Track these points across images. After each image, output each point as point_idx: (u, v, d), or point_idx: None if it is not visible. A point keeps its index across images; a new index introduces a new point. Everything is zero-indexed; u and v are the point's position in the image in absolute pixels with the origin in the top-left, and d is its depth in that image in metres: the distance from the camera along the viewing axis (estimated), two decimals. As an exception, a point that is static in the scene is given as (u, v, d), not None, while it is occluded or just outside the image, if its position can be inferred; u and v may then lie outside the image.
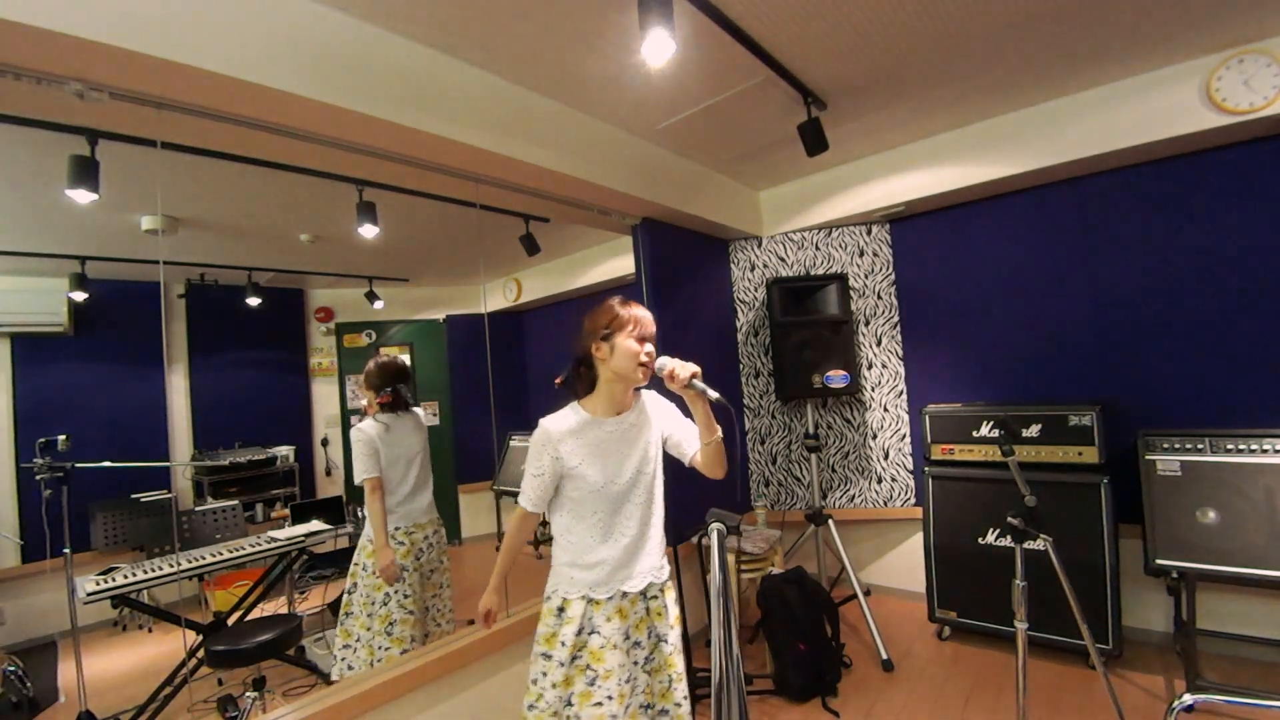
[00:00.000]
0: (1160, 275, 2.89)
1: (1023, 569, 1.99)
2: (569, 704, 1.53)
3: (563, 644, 1.55)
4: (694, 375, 1.51)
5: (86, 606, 2.45)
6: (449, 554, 2.81)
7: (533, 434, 1.60)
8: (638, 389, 1.69)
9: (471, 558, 4.83)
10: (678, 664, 1.65)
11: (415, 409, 2.77)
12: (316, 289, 5.04)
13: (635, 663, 1.60)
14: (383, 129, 1.98)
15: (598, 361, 1.60)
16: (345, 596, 2.57)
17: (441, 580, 2.73)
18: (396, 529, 2.57)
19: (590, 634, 1.56)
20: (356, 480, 2.55)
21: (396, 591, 2.50)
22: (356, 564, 2.56)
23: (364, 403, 2.73)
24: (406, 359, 2.81)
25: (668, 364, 1.54)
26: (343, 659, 2.50)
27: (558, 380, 1.69)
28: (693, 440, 1.68)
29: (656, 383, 1.61)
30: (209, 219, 3.28)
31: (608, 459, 1.59)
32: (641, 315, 1.58)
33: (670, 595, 1.70)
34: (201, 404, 4.24)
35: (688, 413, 1.67)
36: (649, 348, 1.57)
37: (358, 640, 2.50)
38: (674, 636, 1.66)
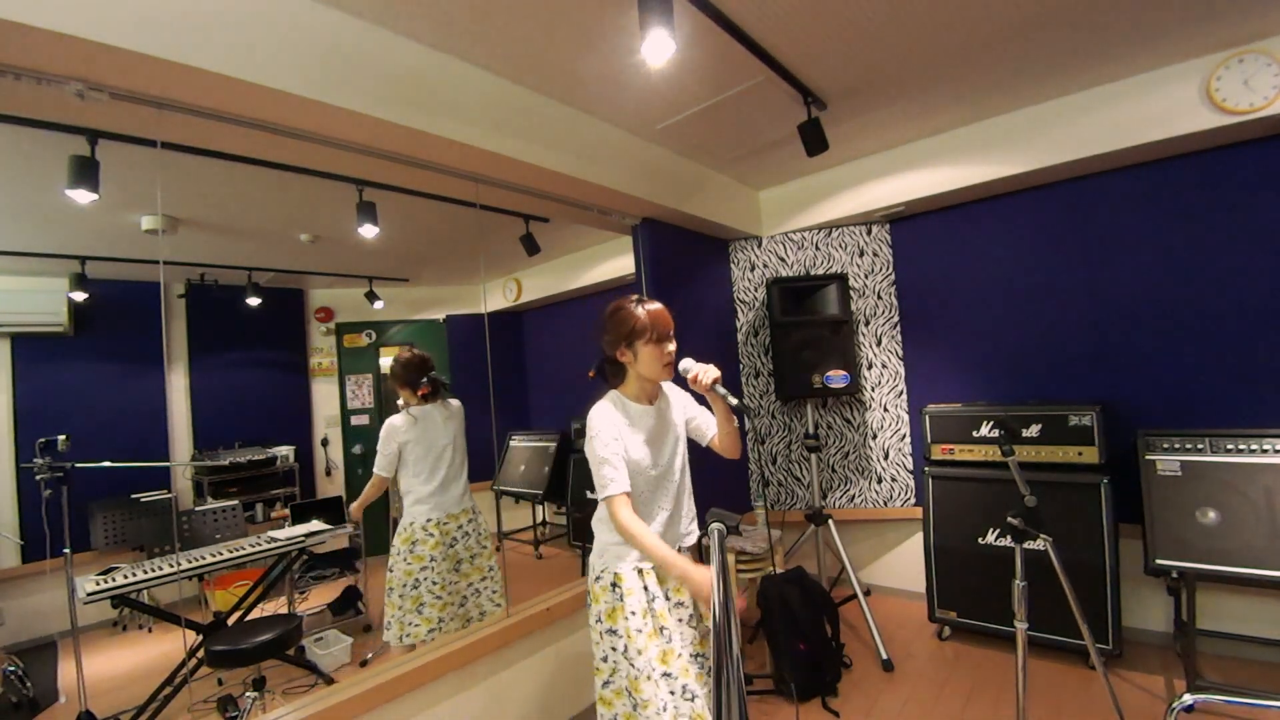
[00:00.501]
0: (1160, 275, 2.89)
1: (1023, 569, 1.99)
2: (654, 666, 1.62)
3: (633, 613, 1.65)
4: (715, 380, 1.65)
5: (86, 606, 2.45)
6: (489, 540, 2.90)
7: (592, 423, 1.69)
8: None
9: (471, 558, 4.84)
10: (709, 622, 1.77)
11: (453, 400, 2.87)
12: (316, 289, 5.04)
13: (680, 620, 1.74)
14: (383, 129, 1.98)
15: (625, 363, 1.75)
16: (388, 573, 2.70)
17: (488, 564, 2.82)
18: (429, 520, 2.68)
19: (651, 600, 1.69)
20: (374, 471, 2.72)
21: (426, 579, 2.62)
22: (394, 547, 2.71)
23: (398, 401, 2.83)
24: (426, 353, 2.87)
25: (691, 368, 1.68)
26: (386, 627, 2.66)
27: (591, 373, 1.84)
28: (710, 424, 1.86)
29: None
30: (209, 219, 3.28)
31: (650, 443, 1.73)
32: (658, 316, 1.69)
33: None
34: (201, 404, 4.24)
35: (699, 399, 1.84)
36: (670, 347, 1.70)
37: (393, 617, 2.64)
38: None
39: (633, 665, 1.62)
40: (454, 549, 2.72)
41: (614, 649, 1.66)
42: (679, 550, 1.76)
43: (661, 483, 1.76)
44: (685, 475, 1.84)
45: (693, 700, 1.61)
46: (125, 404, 3.86)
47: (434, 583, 2.64)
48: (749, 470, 3.86)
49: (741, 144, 3.14)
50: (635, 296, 1.74)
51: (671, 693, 1.61)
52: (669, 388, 1.87)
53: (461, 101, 2.17)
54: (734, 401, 1.65)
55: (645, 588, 1.69)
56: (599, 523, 1.78)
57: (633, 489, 1.69)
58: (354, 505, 2.90)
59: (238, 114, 1.80)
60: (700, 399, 1.81)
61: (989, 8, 2.11)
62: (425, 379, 2.75)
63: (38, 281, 3.62)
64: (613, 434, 1.67)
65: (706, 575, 1.54)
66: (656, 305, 1.71)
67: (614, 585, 1.69)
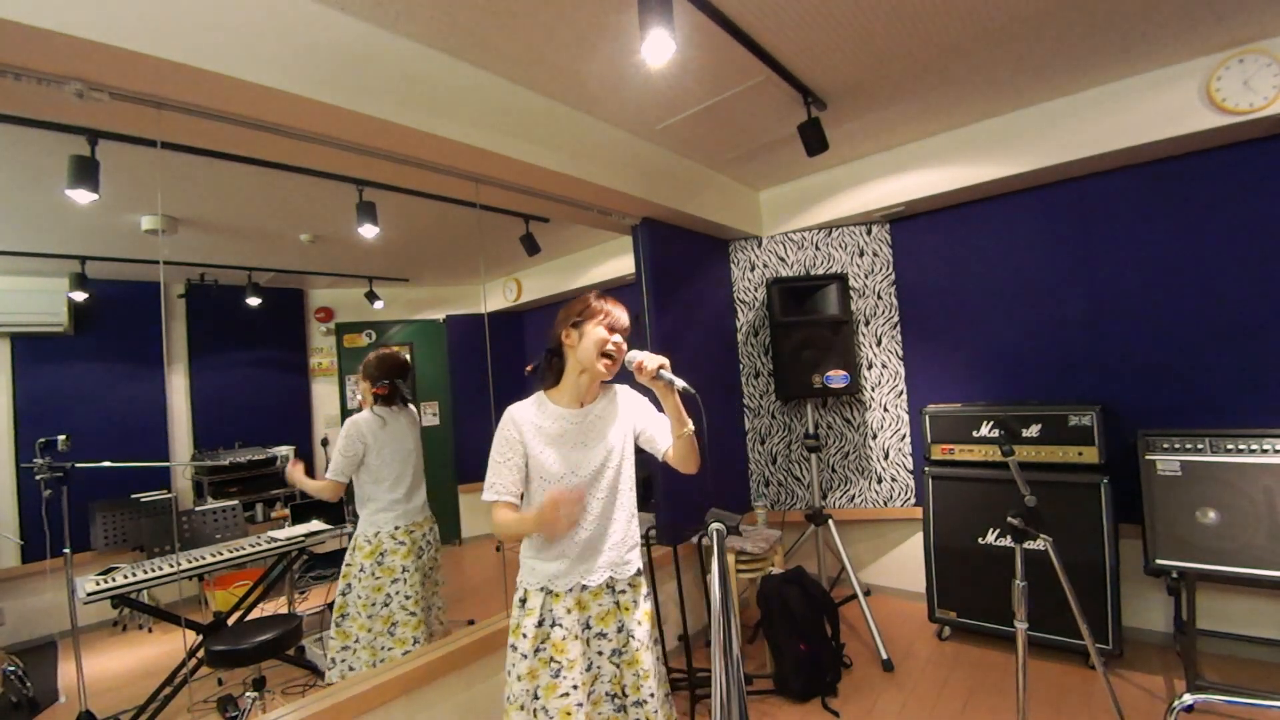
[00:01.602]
0: (1160, 275, 2.89)
1: (1023, 569, 1.99)
2: (535, 696, 1.52)
3: (524, 635, 1.55)
4: (661, 366, 1.53)
5: (86, 606, 2.45)
6: (440, 551, 2.79)
7: (500, 421, 1.60)
8: (606, 383, 1.68)
9: (472, 558, 4.83)
10: (645, 660, 1.61)
11: (411, 406, 2.72)
12: (316, 289, 5.03)
13: (600, 653, 1.61)
14: (383, 129, 1.98)
15: (566, 349, 1.62)
16: (339, 598, 2.51)
17: (438, 579, 2.73)
18: (396, 528, 2.53)
19: (552, 626, 1.56)
20: (327, 474, 2.49)
21: (398, 593, 2.47)
22: (349, 564, 2.51)
23: (359, 396, 2.69)
24: (406, 357, 2.77)
25: (636, 356, 1.55)
26: (342, 660, 2.46)
27: (528, 368, 1.71)
28: (665, 435, 1.65)
29: (629, 378, 1.62)
30: (209, 219, 3.28)
31: (569, 450, 1.59)
32: (615, 309, 1.61)
33: (641, 591, 1.68)
34: (201, 404, 4.23)
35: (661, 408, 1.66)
36: (618, 339, 1.58)
37: (357, 641, 2.46)
38: (641, 632, 1.63)
39: (510, 688, 1.54)
40: (422, 559, 2.58)
41: (512, 665, 1.56)
42: (610, 580, 1.61)
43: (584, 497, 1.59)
44: (621, 493, 1.65)
45: None
46: (125, 404, 3.85)
47: (406, 596, 2.45)
48: (749, 470, 3.86)
49: (741, 144, 3.14)
50: (597, 292, 1.66)
51: None
52: (623, 394, 1.71)
53: (462, 101, 2.17)
54: (680, 385, 1.52)
55: (551, 610, 1.56)
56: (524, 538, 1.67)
57: (535, 498, 1.58)
58: (297, 474, 2.53)
59: (238, 114, 1.79)
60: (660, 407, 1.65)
61: (989, 8, 2.11)
62: (386, 380, 2.57)
63: (38, 281, 3.61)
64: (510, 435, 1.56)
65: (543, 509, 1.43)
66: (619, 306, 1.63)
67: (522, 601, 1.60)
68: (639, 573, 1.69)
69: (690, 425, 1.60)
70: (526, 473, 1.59)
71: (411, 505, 2.61)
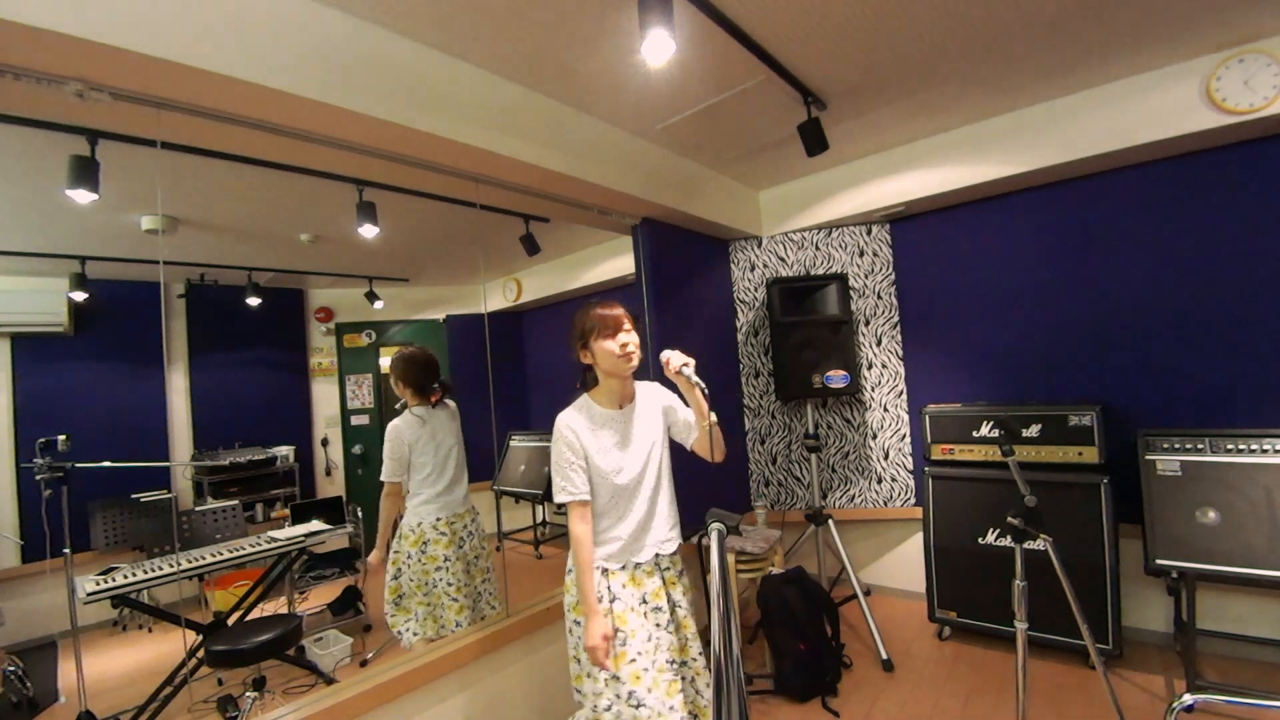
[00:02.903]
0: (1160, 275, 2.89)
1: (1023, 569, 1.99)
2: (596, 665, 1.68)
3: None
4: (685, 364, 1.70)
5: (86, 606, 2.45)
6: (488, 541, 2.86)
7: (555, 429, 1.74)
8: (637, 380, 1.86)
9: (472, 557, 4.83)
10: (691, 625, 1.84)
11: (449, 401, 2.81)
12: (316, 289, 5.03)
13: (657, 624, 1.75)
14: (383, 129, 1.98)
15: (590, 365, 1.80)
16: (390, 583, 2.61)
17: (487, 565, 2.79)
18: (438, 519, 2.62)
19: (613, 600, 1.72)
20: (381, 477, 2.62)
21: (441, 580, 2.57)
22: (397, 552, 2.62)
23: (403, 397, 2.73)
24: (432, 352, 2.79)
25: (666, 354, 1.73)
26: (409, 630, 2.56)
27: (578, 385, 1.86)
28: (693, 426, 1.86)
29: (658, 372, 1.80)
30: (209, 219, 3.28)
31: (618, 447, 1.75)
32: (605, 314, 1.73)
33: (679, 566, 1.90)
34: (201, 404, 4.23)
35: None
36: (623, 338, 1.72)
37: (414, 616, 2.56)
38: (685, 602, 1.85)
39: (578, 662, 1.75)
40: (464, 549, 2.67)
41: (579, 640, 1.73)
42: (656, 557, 1.79)
43: (634, 487, 1.76)
44: (664, 480, 1.83)
45: (637, 709, 1.63)
46: (125, 404, 3.85)
47: (449, 584, 2.58)
48: (749, 470, 3.86)
49: (741, 144, 3.14)
50: (586, 305, 1.78)
51: (617, 695, 1.65)
52: (648, 390, 1.88)
53: (462, 101, 2.17)
54: (698, 382, 1.69)
55: (608, 588, 1.72)
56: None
57: (605, 492, 1.74)
58: (374, 553, 2.67)
59: (238, 114, 1.79)
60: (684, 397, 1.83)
61: (989, 9, 2.11)
62: (436, 383, 2.69)
63: (38, 281, 3.61)
64: (569, 439, 1.71)
65: (592, 633, 1.62)
66: (609, 303, 1.76)
67: None
68: (677, 550, 1.88)
69: (714, 417, 1.77)
70: (589, 472, 1.73)
71: (453, 497, 2.69)
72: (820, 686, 2.70)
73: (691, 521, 2.02)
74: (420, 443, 2.62)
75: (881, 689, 2.74)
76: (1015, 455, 2.09)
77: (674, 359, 1.70)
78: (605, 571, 1.73)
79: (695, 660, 1.82)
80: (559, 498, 1.71)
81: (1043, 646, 2.75)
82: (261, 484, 4.25)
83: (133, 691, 2.73)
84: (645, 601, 1.75)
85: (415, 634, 2.54)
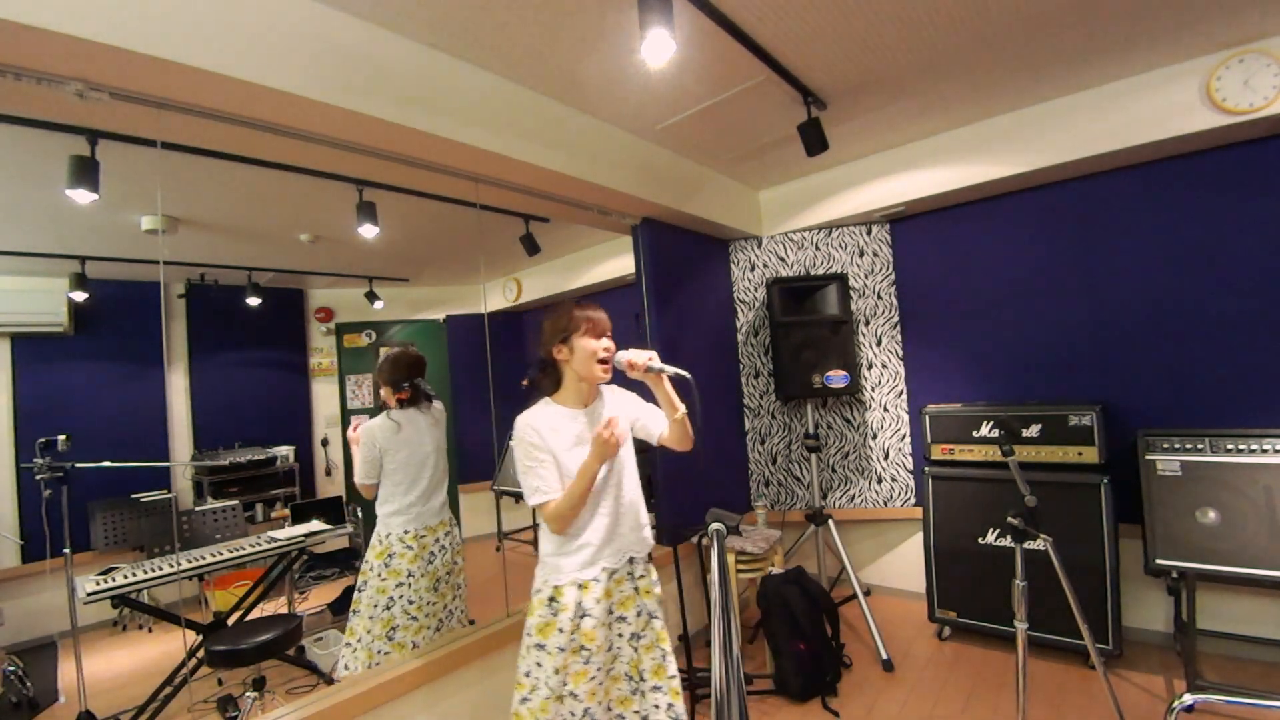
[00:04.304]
0: (1160, 275, 2.89)
1: (1023, 569, 2.00)
2: (564, 683, 1.61)
3: (560, 630, 1.61)
4: (650, 358, 1.63)
5: (86, 606, 2.45)
6: (462, 554, 2.73)
7: (516, 431, 1.66)
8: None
9: (472, 558, 4.78)
10: (667, 641, 1.76)
11: (435, 403, 2.68)
12: (316, 289, 5.03)
13: (620, 635, 1.70)
14: (383, 129, 1.98)
15: (560, 363, 1.71)
16: (355, 594, 2.51)
17: (457, 582, 2.65)
18: (406, 532, 2.48)
19: (582, 617, 1.63)
20: (354, 478, 2.52)
21: (401, 597, 2.44)
22: (366, 562, 2.50)
23: (382, 397, 2.62)
24: (420, 353, 2.72)
25: (625, 355, 1.65)
26: (343, 657, 2.47)
27: (524, 382, 1.80)
28: (658, 420, 1.79)
29: (618, 375, 1.70)
30: (209, 219, 3.28)
31: (580, 447, 1.66)
32: (595, 314, 1.69)
33: (654, 573, 1.80)
34: (201, 404, 4.23)
35: (649, 398, 1.77)
36: (606, 342, 1.67)
37: (359, 640, 2.44)
38: (662, 613, 1.76)
39: (547, 685, 1.59)
40: (433, 565, 2.52)
41: (538, 664, 1.61)
42: (631, 561, 1.72)
43: (600, 490, 1.68)
44: (630, 480, 1.76)
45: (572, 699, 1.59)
46: (125, 404, 3.85)
47: (409, 601, 2.43)
48: (749, 470, 3.86)
49: (741, 144, 3.14)
50: (574, 301, 1.73)
51: (572, 713, 1.59)
52: (610, 392, 1.81)
53: (461, 101, 2.17)
54: (672, 370, 1.62)
55: (579, 603, 1.63)
56: (540, 534, 1.73)
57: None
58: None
59: (238, 114, 1.79)
60: (650, 397, 1.75)
61: (989, 8, 2.11)
62: (407, 383, 2.53)
63: (38, 281, 3.61)
64: (533, 439, 1.63)
65: (596, 438, 1.55)
66: (597, 309, 1.71)
67: (551, 600, 1.64)
68: (651, 555, 1.81)
69: (683, 409, 1.70)
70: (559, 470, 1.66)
71: (427, 508, 2.55)
72: (820, 686, 2.70)
73: (692, 521, 2.02)
74: (394, 449, 2.48)
75: (881, 689, 2.74)
76: (1015, 455, 2.10)
77: (636, 358, 1.62)
78: (580, 586, 1.64)
79: (672, 679, 1.71)
80: (533, 500, 1.62)
81: (1043, 646, 2.75)
82: (261, 484, 4.24)
83: (133, 691, 2.73)
84: (611, 612, 1.68)
85: (348, 667, 2.41)
